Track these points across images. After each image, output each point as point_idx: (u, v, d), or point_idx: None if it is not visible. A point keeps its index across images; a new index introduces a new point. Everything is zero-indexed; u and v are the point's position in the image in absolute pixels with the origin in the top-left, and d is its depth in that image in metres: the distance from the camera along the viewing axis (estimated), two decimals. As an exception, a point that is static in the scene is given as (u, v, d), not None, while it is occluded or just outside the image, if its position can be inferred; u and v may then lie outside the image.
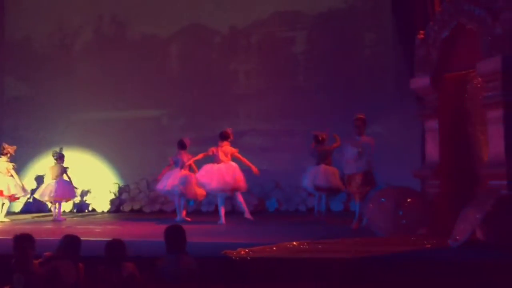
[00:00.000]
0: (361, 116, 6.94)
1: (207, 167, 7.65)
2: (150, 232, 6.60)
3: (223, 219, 7.61)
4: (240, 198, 7.80)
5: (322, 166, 7.74)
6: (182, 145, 8.07)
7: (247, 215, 7.74)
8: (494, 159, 5.27)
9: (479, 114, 5.71)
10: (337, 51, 9.52)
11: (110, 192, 10.29)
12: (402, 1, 7.31)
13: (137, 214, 9.64)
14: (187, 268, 3.73)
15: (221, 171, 7.52)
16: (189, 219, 7.97)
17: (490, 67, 5.25)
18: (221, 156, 7.60)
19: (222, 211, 7.65)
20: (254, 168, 7.62)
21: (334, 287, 4.27)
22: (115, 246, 3.89)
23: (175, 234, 3.90)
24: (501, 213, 4.82)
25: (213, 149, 7.67)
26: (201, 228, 6.95)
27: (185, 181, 7.92)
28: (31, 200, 9.69)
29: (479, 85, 5.69)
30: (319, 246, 5.13)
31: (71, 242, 4.09)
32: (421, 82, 6.22)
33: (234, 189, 7.61)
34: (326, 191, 7.81)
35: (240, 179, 7.54)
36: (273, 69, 9.89)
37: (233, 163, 7.65)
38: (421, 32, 6.36)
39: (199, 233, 6.16)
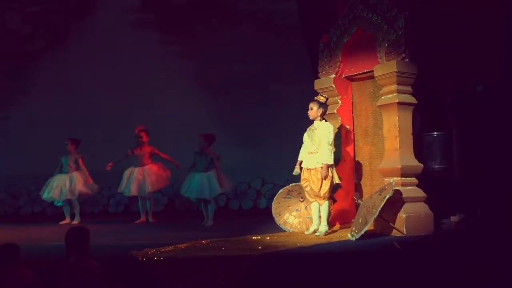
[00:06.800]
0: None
1: None
2: (50, 235, 6.30)
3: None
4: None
5: (202, 174, 7.12)
6: None
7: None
8: (389, 157, 5.65)
9: (377, 114, 6.11)
10: (240, 52, 9.60)
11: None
12: (308, 6, 7.61)
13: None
14: (89, 272, 3.62)
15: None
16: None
17: (386, 70, 5.63)
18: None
19: None
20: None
21: (242, 283, 4.36)
22: (7, 251, 3.66)
23: (75, 236, 3.76)
24: (392, 206, 5.21)
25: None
26: (108, 229, 6.75)
27: None
28: None
29: (376, 87, 6.07)
30: (228, 244, 5.20)
31: None
32: (324, 83, 6.51)
33: None
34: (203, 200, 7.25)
35: None
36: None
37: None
38: (325, 36, 6.64)
39: (106, 235, 5.99)
